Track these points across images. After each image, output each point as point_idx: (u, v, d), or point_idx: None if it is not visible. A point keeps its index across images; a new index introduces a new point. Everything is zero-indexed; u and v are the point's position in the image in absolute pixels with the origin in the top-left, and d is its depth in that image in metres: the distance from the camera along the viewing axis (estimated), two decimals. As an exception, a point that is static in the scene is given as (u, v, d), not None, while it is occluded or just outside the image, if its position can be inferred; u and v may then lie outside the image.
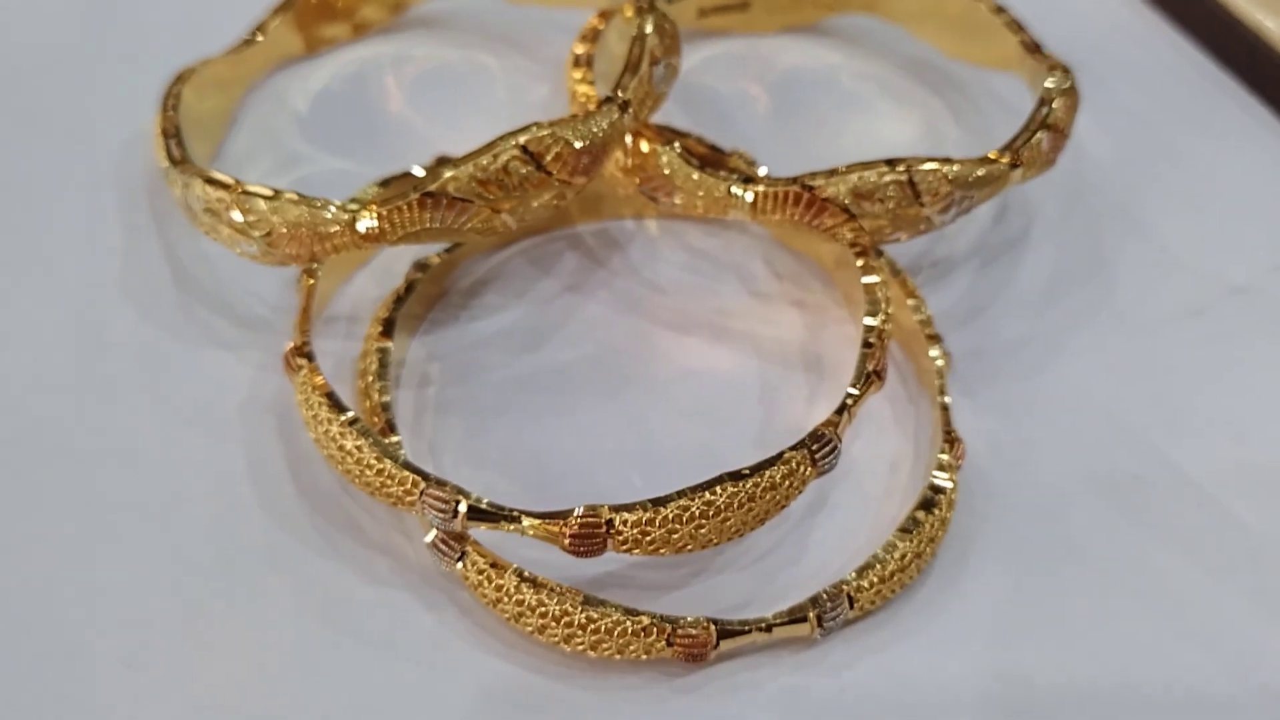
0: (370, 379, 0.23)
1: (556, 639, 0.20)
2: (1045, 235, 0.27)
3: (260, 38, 0.28)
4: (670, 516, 0.20)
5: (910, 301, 0.24)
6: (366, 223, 0.22)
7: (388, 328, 0.24)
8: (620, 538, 0.20)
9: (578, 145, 0.22)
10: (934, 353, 0.24)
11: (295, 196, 0.22)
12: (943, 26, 0.30)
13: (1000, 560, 0.22)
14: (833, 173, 0.23)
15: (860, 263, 0.23)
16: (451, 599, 0.21)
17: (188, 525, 0.22)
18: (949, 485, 0.22)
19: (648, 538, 0.20)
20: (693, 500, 0.20)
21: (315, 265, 0.23)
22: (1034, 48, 0.27)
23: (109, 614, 0.20)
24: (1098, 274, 0.27)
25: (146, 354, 0.24)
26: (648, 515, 0.19)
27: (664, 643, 0.20)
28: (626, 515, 0.19)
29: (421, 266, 0.24)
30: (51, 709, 0.19)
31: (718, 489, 0.20)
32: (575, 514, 0.19)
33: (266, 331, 0.24)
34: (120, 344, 0.24)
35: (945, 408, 0.23)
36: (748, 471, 0.20)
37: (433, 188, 0.22)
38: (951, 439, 0.22)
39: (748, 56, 0.31)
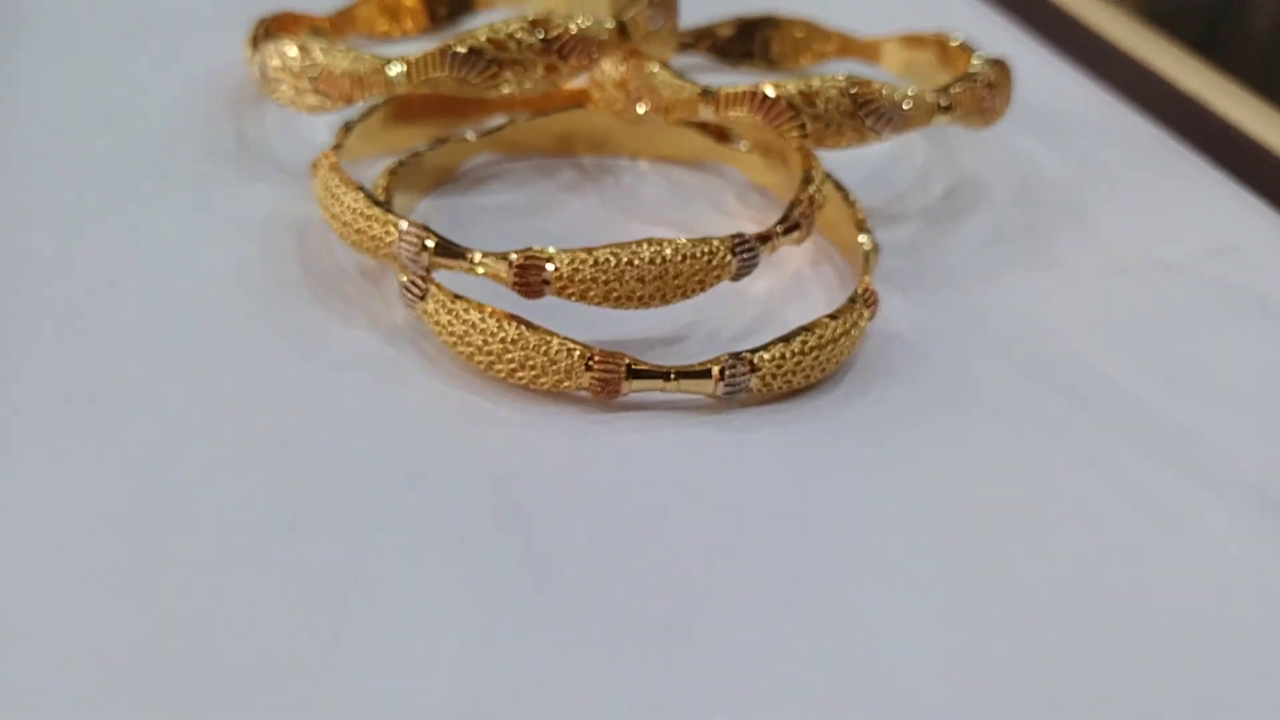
0: (373, 197, 0.27)
1: (491, 359, 0.23)
2: (989, 210, 0.31)
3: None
4: (600, 260, 0.23)
5: (851, 210, 0.28)
6: (396, 68, 0.27)
7: (396, 179, 0.28)
8: (557, 275, 0.23)
9: (572, 29, 0.27)
10: (862, 238, 0.27)
11: (343, 49, 0.27)
12: (922, 71, 0.35)
13: (904, 388, 0.25)
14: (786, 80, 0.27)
15: (803, 151, 0.27)
16: (413, 344, 0.24)
17: (213, 280, 0.26)
18: (863, 309, 0.25)
19: (578, 276, 0.23)
20: (622, 251, 0.23)
21: (356, 120, 0.28)
22: (986, 60, 0.32)
23: (144, 319, 0.25)
24: (1034, 238, 0.30)
25: (208, 183, 0.29)
26: (580, 256, 0.23)
27: (583, 366, 0.23)
28: (564, 254, 0.23)
29: (440, 142, 0.29)
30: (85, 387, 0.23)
31: (644, 246, 0.23)
32: (520, 250, 0.23)
33: (305, 181, 0.29)
34: (190, 180, 0.29)
35: (867, 273, 0.26)
36: (675, 241, 0.23)
37: (452, 41, 0.27)
38: (868, 291, 0.26)
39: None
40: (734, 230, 0.26)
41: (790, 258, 0.28)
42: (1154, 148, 0.35)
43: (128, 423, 0.22)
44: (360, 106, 0.29)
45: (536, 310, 0.24)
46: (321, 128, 0.31)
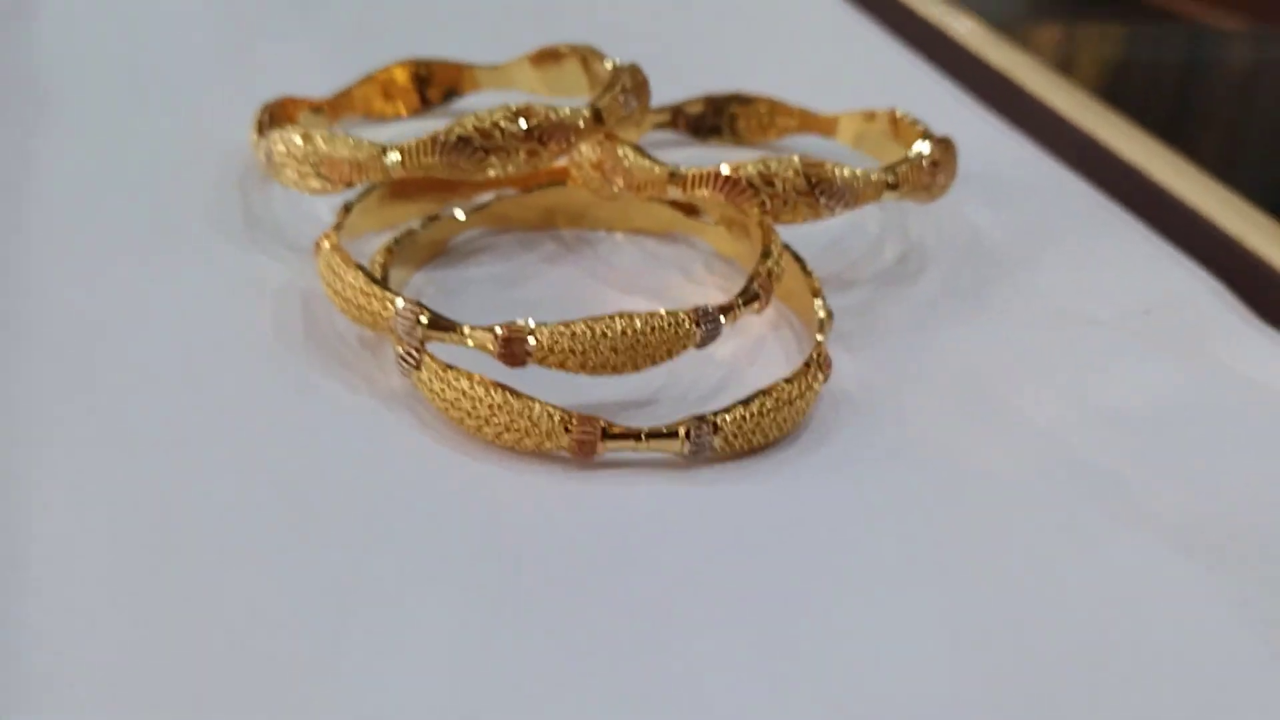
0: (371, 275, 0.30)
1: (479, 422, 0.25)
2: (937, 274, 0.34)
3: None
4: (577, 333, 0.26)
5: (807, 279, 0.31)
6: (393, 156, 0.30)
7: (392, 255, 0.30)
8: (538, 347, 0.26)
9: (554, 118, 0.30)
10: (818, 305, 0.30)
11: (344, 136, 0.30)
12: (876, 144, 0.38)
13: (856, 441, 0.27)
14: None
15: (763, 226, 0.30)
16: (409, 408, 0.27)
17: (224, 345, 0.29)
18: (817, 371, 0.27)
19: (557, 348, 0.25)
20: (597, 323, 0.26)
21: (354, 200, 0.31)
22: (935, 138, 0.35)
23: (161, 377, 0.27)
24: (977, 298, 0.33)
25: (219, 257, 0.32)
26: (559, 329, 0.26)
27: (563, 429, 0.25)
28: (544, 328, 0.26)
29: (431, 219, 0.32)
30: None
31: (616, 320, 0.26)
32: (504, 324, 0.26)
33: (310, 257, 0.31)
34: (201, 253, 0.32)
35: (820, 341, 0.29)
36: (645, 314, 0.26)
37: (443, 131, 0.29)
38: (822, 354, 0.28)
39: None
40: (702, 297, 0.28)
41: (752, 324, 0.31)
42: (1092, 210, 0.38)
43: (146, 472, 0.25)
44: (359, 187, 0.31)
45: (521, 376, 0.26)
46: (321, 205, 0.34)
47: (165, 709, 0.20)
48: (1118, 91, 0.49)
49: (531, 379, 0.26)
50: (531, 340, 0.26)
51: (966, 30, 0.47)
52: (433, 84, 0.39)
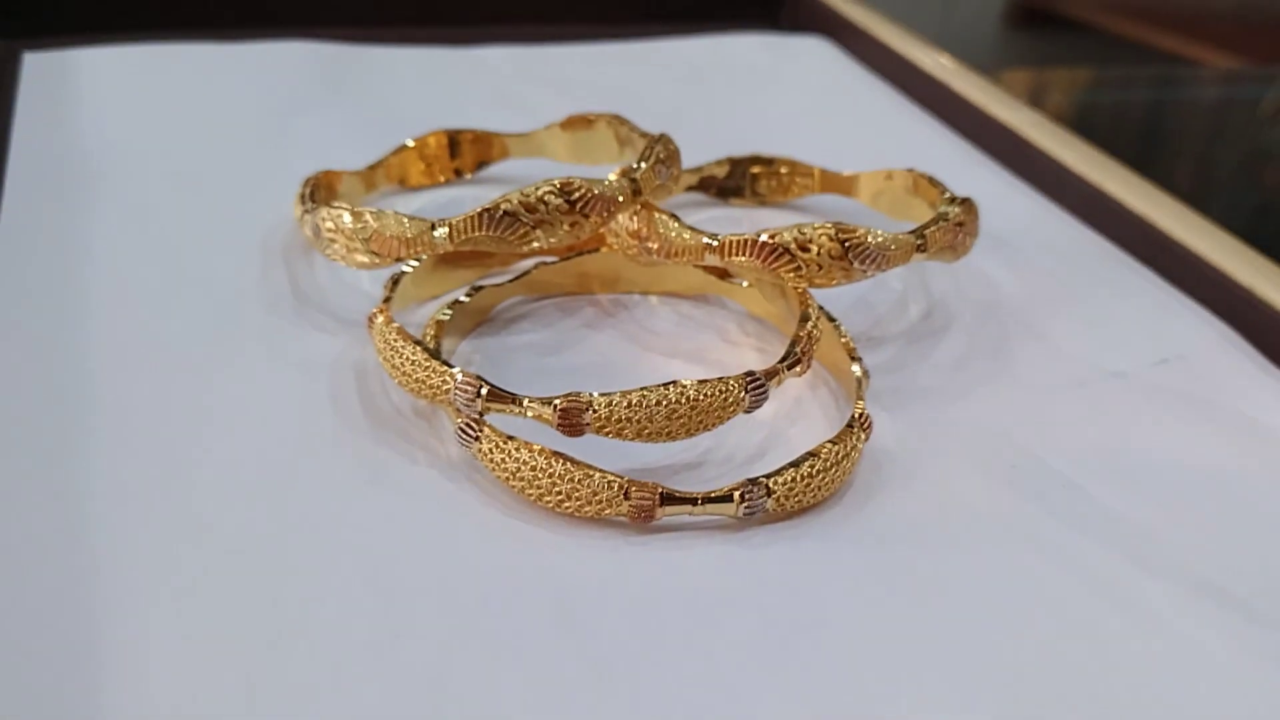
0: (427, 348, 0.31)
1: (540, 491, 0.26)
2: (961, 331, 0.35)
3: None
4: (633, 402, 0.27)
5: (841, 339, 0.32)
6: (440, 232, 0.31)
7: (442, 326, 0.31)
8: (596, 417, 0.27)
9: (596, 191, 0.31)
10: (854, 367, 0.31)
11: (392, 213, 0.31)
12: (893, 202, 0.39)
13: (896, 501, 0.28)
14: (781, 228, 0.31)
15: (798, 289, 0.31)
16: (469, 478, 0.28)
17: (289, 427, 0.29)
18: (860, 433, 0.28)
19: (614, 417, 0.26)
20: (652, 393, 0.27)
21: (402, 272, 0.32)
22: (954, 199, 0.36)
23: (232, 463, 0.28)
24: (1001, 357, 0.34)
25: (273, 333, 0.33)
26: (616, 399, 0.27)
27: (622, 496, 0.26)
28: (601, 398, 0.27)
29: (476, 289, 0.33)
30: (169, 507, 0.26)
31: (670, 388, 0.27)
32: (563, 394, 0.27)
33: (357, 327, 0.32)
34: (256, 326, 0.33)
35: (860, 398, 0.30)
36: (697, 383, 0.27)
37: (489, 205, 0.30)
38: (863, 415, 0.29)
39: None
40: (740, 359, 0.29)
41: (791, 385, 0.32)
42: (1104, 263, 0.39)
43: (224, 551, 0.26)
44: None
45: (574, 444, 0.27)
46: (365, 277, 0.35)
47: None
48: (1124, 146, 0.50)
49: (585, 446, 0.27)
50: (590, 411, 0.27)
51: (968, 83, 0.49)
52: (464, 152, 0.40)
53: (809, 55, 0.57)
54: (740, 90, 0.52)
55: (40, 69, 0.47)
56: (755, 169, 0.40)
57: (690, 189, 0.40)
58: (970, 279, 0.37)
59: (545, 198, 0.31)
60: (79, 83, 0.46)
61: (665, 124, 0.37)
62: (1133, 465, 0.30)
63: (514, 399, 0.27)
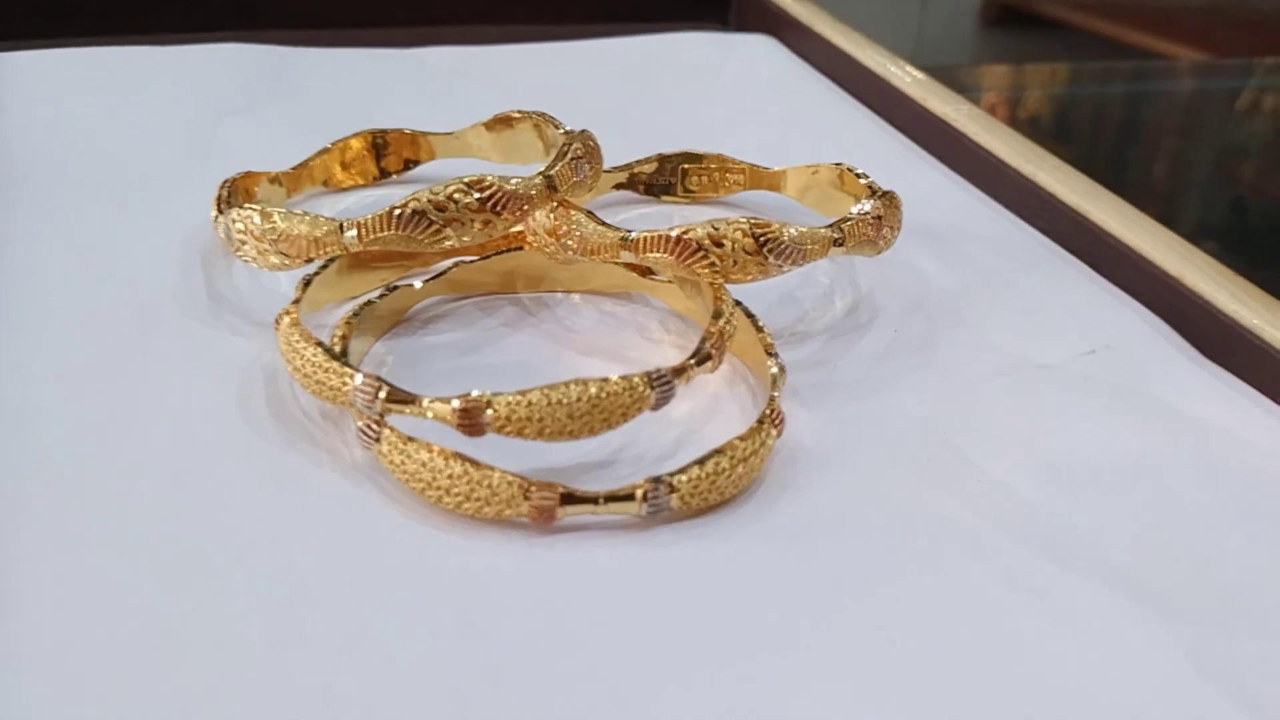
0: (335, 350, 0.30)
1: (440, 493, 0.26)
2: (886, 324, 0.35)
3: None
4: (533, 401, 0.26)
5: (759, 336, 0.31)
6: (349, 233, 0.30)
7: (351, 326, 0.31)
8: (495, 417, 0.26)
9: (508, 188, 0.31)
10: (770, 363, 0.31)
11: (300, 213, 0.31)
12: (820, 197, 0.39)
13: (810, 496, 0.28)
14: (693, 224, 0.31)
15: (714, 285, 0.31)
16: (372, 481, 0.27)
17: (194, 429, 0.29)
18: (770, 429, 0.28)
19: (515, 417, 0.26)
20: (553, 391, 0.26)
21: (314, 274, 0.31)
22: (878, 191, 0.36)
23: (136, 461, 0.28)
24: (926, 349, 0.34)
25: (187, 336, 0.32)
26: (515, 399, 0.26)
27: (522, 496, 0.26)
28: (501, 398, 0.26)
29: (390, 289, 0.33)
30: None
31: (572, 386, 0.26)
32: (461, 395, 0.26)
33: (271, 330, 0.32)
34: (170, 330, 0.33)
35: (773, 398, 0.30)
36: (600, 380, 0.27)
37: (398, 204, 0.30)
38: (774, 411, 0.29)
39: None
40: (660, 356, 0.29)
41: (708, 382, 0.31)
42: (1036, 255, 0.39)
43: (125, 553, 0.25)
44: (318, 261, 0.32)
45: (482, 444, 0.27)
46: (284, 279, 0.34)
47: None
48: (1058, 130, 0.50)
49: (493, 446, 0.27)
50: (489, 411, 0.26)
51: (906, 78, 0.48)
52: (389, 153, 0.40)
53: (755, 54, 0.56)
54: (684, 89, 0.52)
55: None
56: (685, 165, 0.40)
57: (619, 186, 0.40)
58: (899, 273, 0.37)
59: (454, 195, 0.30)
60: (4, 85, 0.46)
61: (606, 122, 0.37)
62: (1055, 456, 0.30)
63: (413, 400, 0.27)
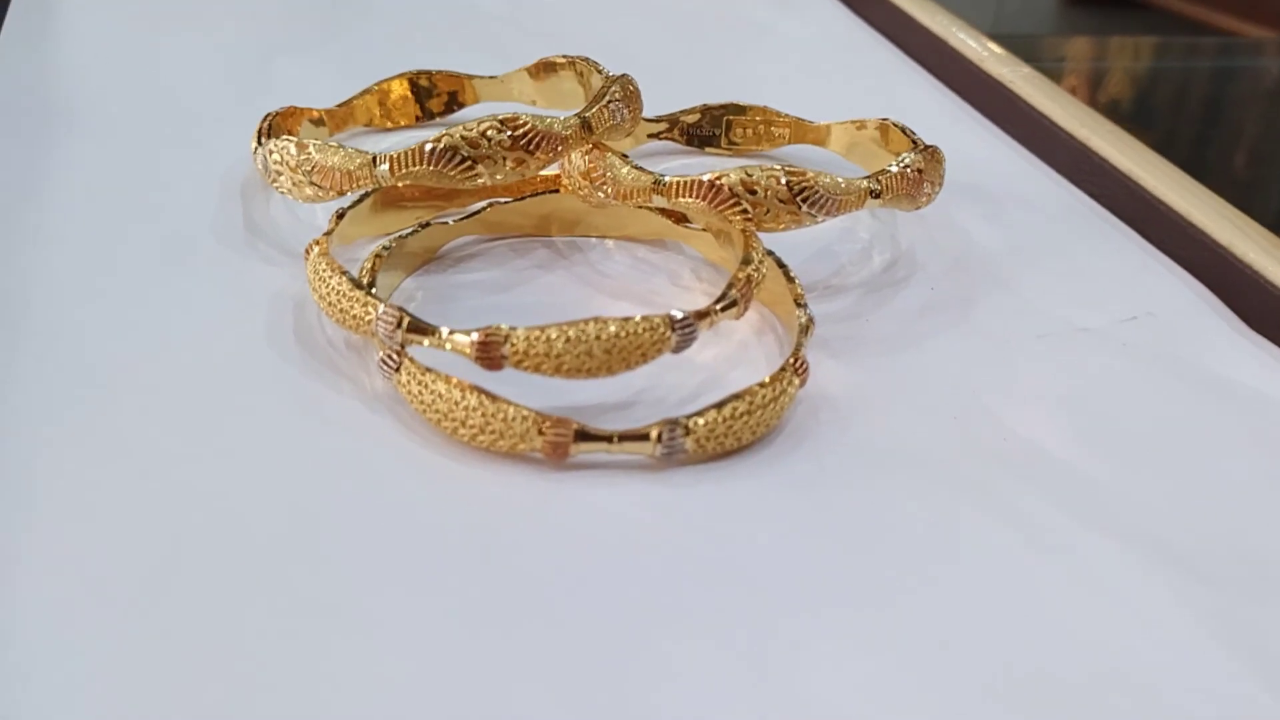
0: (364, 284, 0.30)
1: (455, 424, 0.26)
2: (923, 281, 0.34)
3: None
4: (552, 337, 0.26)
5: (790, 286, 0.31)
6: (382, 165, 0.30)
7: (381, 260, 0.31)
8: (514, 351, 0.26)
9: (539, 127, 0.30)
10: (799, 312, 0.30)
11: (336, 145, 0.31)
12: (865, 154, 0.38)
13: (832, 447, 0.28)
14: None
15: (745, 233, 0.30)
16: (391, 410, 0.28)
17: (220, 355, 0.29)
18: (793, 377, 0.28)
19: (533, 351, 0.26)
20: (571, 328, 0.26)
21: (347, 207, 0.32)
22: (921, 145, 0.35)
23: (165, 386, 0.28)
24: (963, 307, 0.33)
25: (221, 262, 0.33)
26: (534, 333, 0.26)
27: (536, 431, 0.26)
28: (519, 331, 0.26)
29: (423, 225, 0.33)
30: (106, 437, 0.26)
31: (591, 324, 0.26)
32: (481, 328, 0.26)
33: (300, 260, 0.32)
34: (206, 256, 0.33)
35: (799, 346, 0.29)
36: (620, 320, 0.26)
37: (432, 140, 0.30)
38: (799, 359, 0.29)
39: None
40: (689, 303, 0.29)
41: (736, 329, 0.31)
42: (1088, 221, 0.38)
43: (149, 466, 0.26)
44: (353, 195, 0.32)
45: (503, 380, 0.27)
46: (320, 213, 0.34)
47: (161, 708, 0.21)
48: (1119, 101, 0.49)
49: (514, 383, 0.27)
50: (508, 344, 0.26)
51: (966, 40, 0.47)
52: (434, 95, 0.40)
53: (814, 13, 0.55)
54: (738, 45, 0.52)
55: (26, 4, 0.48)
56: (730, 117, 0.40)
57: (662, 135, 0.40)
58: (942, 232, 0.36)
59: (488, 133, 0.30)
60: (61, 18, 0.47)
61: (655, 74, 0.36)
62: (1087, 418, 0.29)
63: (433, 331, 0.27)
